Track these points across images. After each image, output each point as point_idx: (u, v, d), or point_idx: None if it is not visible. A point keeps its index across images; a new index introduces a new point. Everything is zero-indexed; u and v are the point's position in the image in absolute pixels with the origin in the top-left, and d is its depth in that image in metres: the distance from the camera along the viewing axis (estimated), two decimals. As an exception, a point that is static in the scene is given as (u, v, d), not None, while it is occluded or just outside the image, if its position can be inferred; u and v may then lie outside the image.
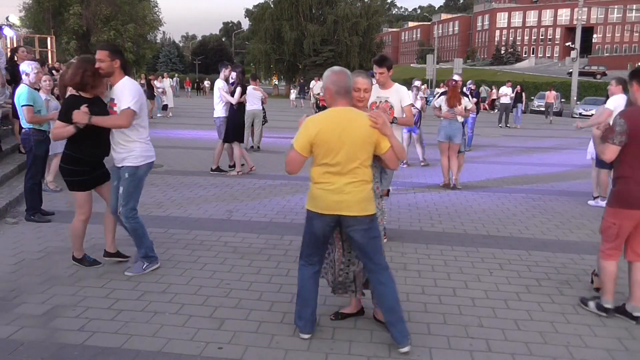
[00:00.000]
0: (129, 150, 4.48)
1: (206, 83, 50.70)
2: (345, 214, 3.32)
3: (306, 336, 3.53)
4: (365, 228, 3.34)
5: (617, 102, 6.87)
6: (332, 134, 3.26)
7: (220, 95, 9.26)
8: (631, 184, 3.81)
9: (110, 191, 4.69)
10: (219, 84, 9.32)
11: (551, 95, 26.50)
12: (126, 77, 4.46)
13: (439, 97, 8.83)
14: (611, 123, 3.95)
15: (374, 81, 5.31)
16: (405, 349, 3.36)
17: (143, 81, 22.04)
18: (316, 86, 27.05)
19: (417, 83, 11.93)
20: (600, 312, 4.03)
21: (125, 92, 4.34)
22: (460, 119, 8.50)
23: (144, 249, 4.63)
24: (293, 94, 36.50)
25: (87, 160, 4.53)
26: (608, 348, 3.55)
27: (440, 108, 8.54)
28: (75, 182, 4.54)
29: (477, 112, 14.22)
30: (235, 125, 9.17)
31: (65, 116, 4.32)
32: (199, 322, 3.76)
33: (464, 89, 11.37)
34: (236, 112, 9.20)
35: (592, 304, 4.11)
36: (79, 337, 3.49)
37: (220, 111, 9.29)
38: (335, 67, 3.49)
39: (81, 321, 3.71)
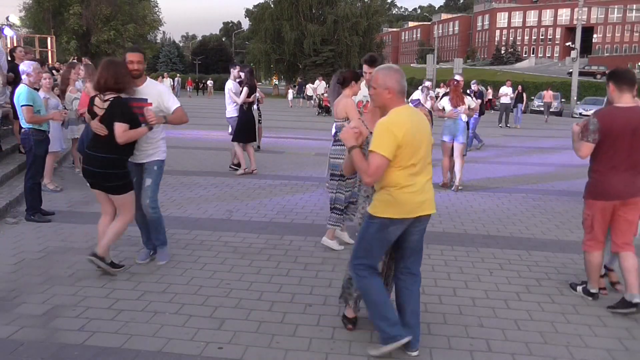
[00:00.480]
0: (156, 146, 4.72)
1: (209, 82, 50.39)
2: (425, 214, 3.30)
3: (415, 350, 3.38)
4: (426, 226, 3.39)
5: None
6: (413, 135, 3.18)
7: (229, 95, 9.48)
8: (601, 177, 4.10)
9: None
10: (229, 84, 9.56)
11: (548, 95, 26.52)
12: (149, 78, 4.74)
13: (441, 98, 8.85)
14: (587, 122, 4.17)
15: (365, 81, 5.31)
16: (416, 353, 3.36)
17: None
18: (320, 86, 26.51)
19: (427, 83, 12.01)
20: (586, 296, 4.34)
21: (165, 92, 4.67)
22: (464, 117, 8.52)
23: (163, 235, 4.91)
24: (290, 94, 35.68)
25: (127, 160, 4.58)
26: (608, 348, 3.55)
27: (443, 109, 8.55)
28: (129, 184, 4.53)
29: (482, 113, 13.97)
30: (243, 124, 9.26)
31: (131, 118, 4.34)
32: (199, 322, 3.76)
33: (468, 90, 11.39)
34: (245, 112, 9.28)
35: (579, 288, 4.43)
36: (79, 337, 3.49)
37: (232, 111, 9.49)
38: (393, 65, 3.41)
39: (81, 321, 3.71)
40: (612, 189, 4.06)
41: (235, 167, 9.60)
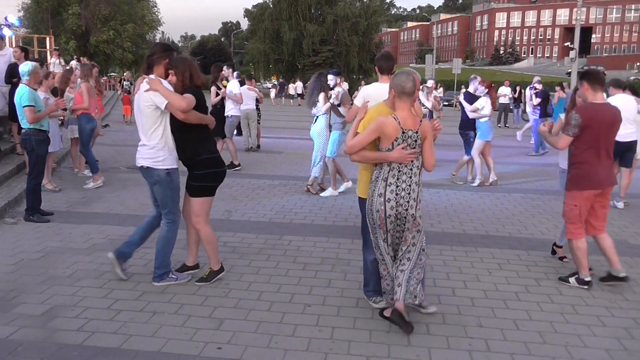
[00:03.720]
0: None
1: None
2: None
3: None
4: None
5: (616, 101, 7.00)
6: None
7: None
8: (589, 168, 4.36)
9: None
10: (231, 85, 10.18)
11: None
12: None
13: (463, 94, 9.07)
14: (568, 117, 4.46)
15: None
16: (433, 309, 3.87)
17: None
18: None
19: (429, 83, 12.04)
20: (581, 286, 4.50)
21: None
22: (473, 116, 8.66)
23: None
24: (272, 92, 37.95)
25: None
26: (607, 348, 3.55)
27: (477, 110, 8.55)
28: (217, 186, 4.40)
29: (548, 114, 13.19)
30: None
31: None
32: (198, 322, 3.76)
33: (528, 88, 11.48)
34: (217, 110, 9.52)
35: (572, 280, 4.57)
36: (78, 337, 3.48)
37: (228, 110, 9.95)
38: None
39: (80, 321, 3.71)
40: (599, 179, 4.39)
41: (232, 166, 9.67)
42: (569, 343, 3.60)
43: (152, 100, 4.08)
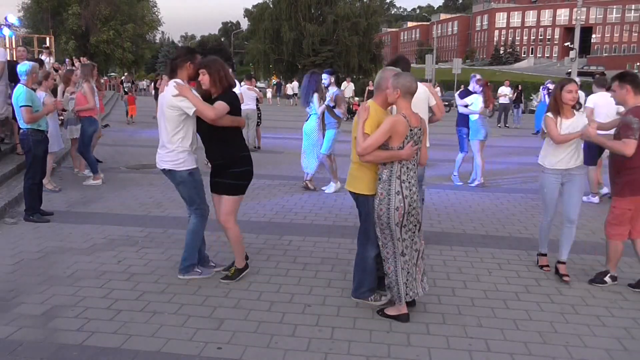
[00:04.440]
0: None
1: None
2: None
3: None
4: (357, 204, 4.02)
5: (594, 100, 7.59)
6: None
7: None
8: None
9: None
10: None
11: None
12: None
13: (460, 93, 9.07)
14: (627, 122, 4.34)
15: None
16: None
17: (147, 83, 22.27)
18: (348, 88, 25.00)
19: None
20: (613, 282, 4.63)
21: None
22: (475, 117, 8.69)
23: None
24: (269, 92, 38.32)
25: None
26: (607, 348, 3.55)
27: (467, 106, 8.61)
28: (248, 184, 4.51)
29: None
30: None
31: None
32: (198, 322, 3.76)
33: (541, 87, 11.54)
34: None
35: (608, 279, 4.64)
36: (78, 337, 3.48)
37: None
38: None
39: (80, 321, 3.71)
40: None
41: None
42: (569, 343, 3.60)
43: (179, 106, 4.13)
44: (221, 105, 4.13)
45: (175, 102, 4.13)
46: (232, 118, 4.24)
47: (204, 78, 4.24)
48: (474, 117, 8.56)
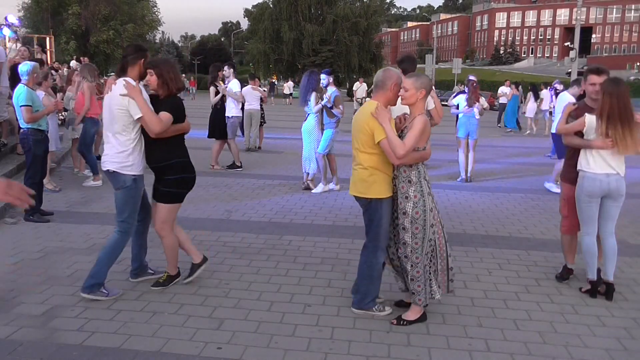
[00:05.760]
0: None
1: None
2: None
3: None
4: (362, 206, 3.85)
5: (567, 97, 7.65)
6: (353, 126, 3.93)
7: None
8: None
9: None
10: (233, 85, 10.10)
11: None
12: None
13: (455, 96, 9.65)
14: None
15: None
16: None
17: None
18: (360, 89, 24.73)
19: None
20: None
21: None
22: (477, 115, 9.00)
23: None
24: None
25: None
26: (607, 348, 3.55)
27: (457, 106, 9.12)
28: (186, 193, 4.26)
29: None
30: (214, 123, 9.80)
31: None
32: (198, 322, 3.76)
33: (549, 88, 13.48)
34: (217, 111, 9.75)
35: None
36: (78, 337, 3.48)
37: (229, 111, 9.84)
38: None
39: (80, 321, 3.71)
40: None
41: (234, 167, 9.74)
42: (569, 343, 3.60)
43: (126, 107, 3.90)
44: (166, 117, 3.93)
45: (123, 101, 3.88)
46: (175, 128, 4.03)
47: (152, 79, 4.03)
48: (460, 114, 9.07)
